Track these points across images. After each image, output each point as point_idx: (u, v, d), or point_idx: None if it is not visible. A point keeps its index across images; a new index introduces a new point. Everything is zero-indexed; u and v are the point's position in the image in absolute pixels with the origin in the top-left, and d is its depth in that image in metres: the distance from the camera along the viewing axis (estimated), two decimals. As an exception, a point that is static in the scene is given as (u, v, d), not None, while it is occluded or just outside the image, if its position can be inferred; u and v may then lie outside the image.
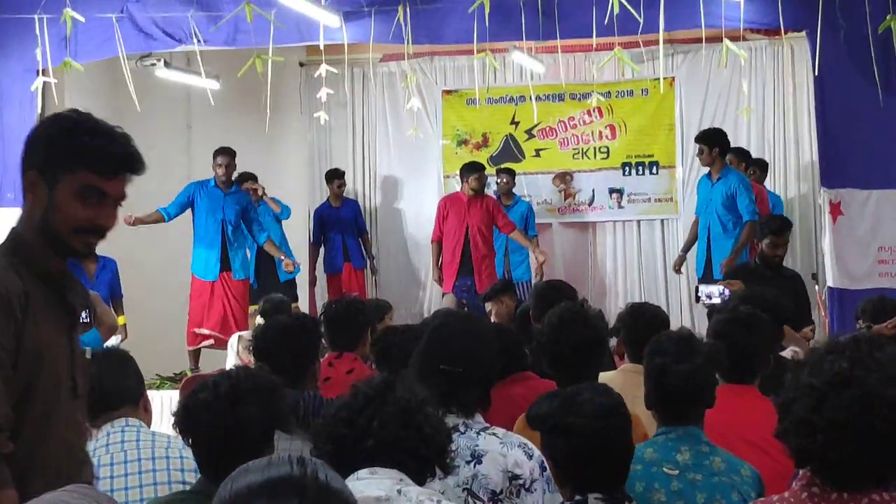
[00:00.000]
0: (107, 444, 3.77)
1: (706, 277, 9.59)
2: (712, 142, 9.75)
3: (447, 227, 11.01)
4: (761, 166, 11.15)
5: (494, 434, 3.60)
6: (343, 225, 12.24)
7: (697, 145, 9.92)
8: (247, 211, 10.36)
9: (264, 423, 3.15)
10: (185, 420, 3.17)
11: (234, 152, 10.33)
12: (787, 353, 5.58)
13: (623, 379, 4.76)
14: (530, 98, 11.38)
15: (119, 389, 3.92)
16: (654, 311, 5.37)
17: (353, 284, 12.05)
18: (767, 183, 11.38)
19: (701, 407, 3.67)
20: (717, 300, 6.88)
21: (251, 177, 11.17)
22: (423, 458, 2.90)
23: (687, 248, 10.55)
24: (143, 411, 3.96)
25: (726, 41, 7.83)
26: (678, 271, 10.86)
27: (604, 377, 4.67)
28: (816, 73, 8.22)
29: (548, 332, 4.44)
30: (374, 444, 2.83)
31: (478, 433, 3.59)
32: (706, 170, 9.96)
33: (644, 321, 5.11)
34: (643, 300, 11.64)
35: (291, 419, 3.81)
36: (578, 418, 3.15)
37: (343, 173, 12.43)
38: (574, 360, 4.34)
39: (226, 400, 3.09)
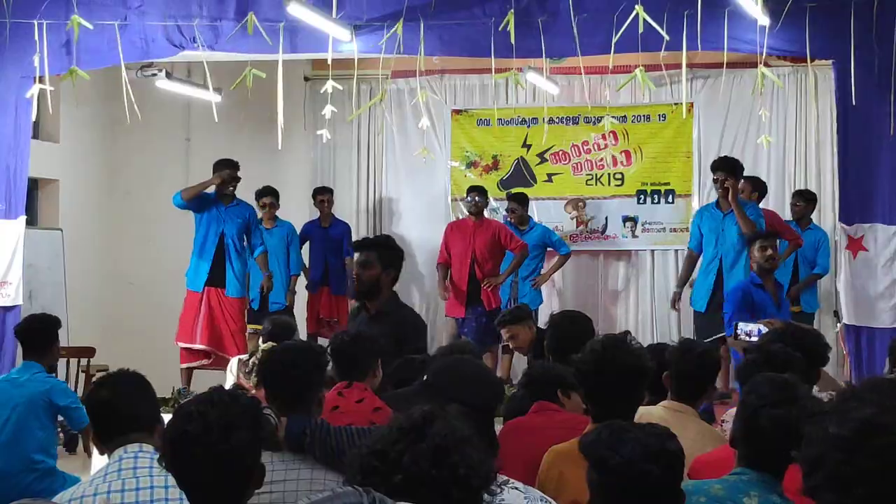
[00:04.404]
0: (119, 469, 3.69)
1: (711, 310, 9.40)
2: (732, 170, 9.45)
3: (453, 252, 10.76)
4: (753, 183, 10.60)
5: (517, 488, 3.40)
6: (328, 245, 11.75)
7: (715, 173, 9.61)
8: (250, 223, 10.23)
9: (255, 446, 3.12)
10: (175, 455, 3.08)
11: (238, 164, 10.11)
12: (823, 397, 5.29)
13: (660, 415, 4.64)
14: (543, 120, 11.11)
15: (135, 414, 3.86)
16: (706, 349, 5.21)
17: (332, 310, 11.67)
18: (788, 215, 11.01)
19: (786, 455, 3.43)
20: (755, 339, 6.67)
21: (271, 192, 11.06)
22: (456, 500, 2.68)
23: (683, 284, 10.36)
24: (158, 438, 3.80)
25: (762, 67, 7.64)
26: (675, 308, 10.61)
27: (644, 410, 4.54)
28: (840, 103, 8.13)
29: (590, 359, 4.25)
30: (402, 480, 2.63)
31: (500, 487, 3.36)
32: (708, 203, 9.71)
33: (695, 359, 4.97)
34: (654, 333, 11.50)
35: (277, 438, 3.86)
36: (616, 455, 3.04)
37: (326, 189, 12.00)
38: (616, 390, 4.17)
39: (217, 430, 3.02)
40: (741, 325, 7.37)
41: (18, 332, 7.12)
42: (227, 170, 10.08)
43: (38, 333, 6.89)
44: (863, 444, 2.09)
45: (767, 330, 6.59)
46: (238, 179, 10.17)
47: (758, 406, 3.55)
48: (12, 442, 6.56)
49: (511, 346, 7.62)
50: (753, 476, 3.52)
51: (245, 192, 10.96)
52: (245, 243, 10.23)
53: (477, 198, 10.92)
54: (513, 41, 7.80)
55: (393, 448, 2.67)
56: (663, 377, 4.94)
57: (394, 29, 8.14)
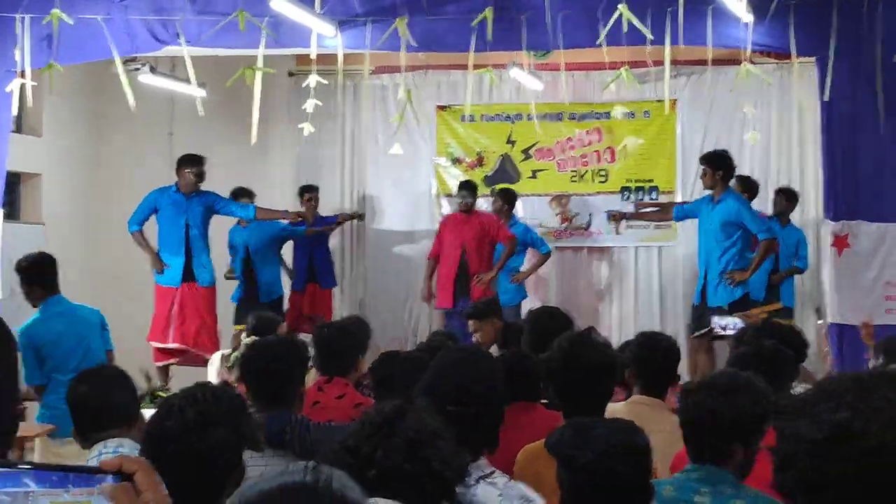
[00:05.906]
0: None
1: (702, 306, 9.38)
2: (716, 164, 9.44)
3: (444, 245, 10.72)
4: (744, 183, 10.55)
5: (493, 484, 3.35)
6: (313, 241, 11.65)
7: (701, 167, 9.62)
8: (215, 207, 10.21)
9: (235, 445, 3.09)
10: (152, 449, 3.05)
11: (203, 159, 10.09)
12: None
13: (631, 411, 4.63)
14: (528, 116, 11.08)
15: (113, 408, 3.84)
16: (669, 343, 5.20)
17: (316, 306, 11.60)
18: (770, 211, 10.95)
19: (736, 447, 3.49)
20: (731, 332, 6.70)
21: (244, 192, 10.94)
22: (430, 494, 2.72)
23: (635, 211, 10.69)
24: (138, 433, 3.75)
25: (745, 64, 7.66)
26: (613, 218, 10.67)
27: (612, 409, 4.54)
28: (825, 100, 8.10)
29: (558, 356, 4.27)
30: (376, 475, 2.66)
31: (477, 481, 3.31)
32: (707, 194, 9.68)
33: (661, 352, 5.00)
34: (636, 328, 11.47)
35: (260, 438, 3.79)
36: (585, 453, 3.05)
37: (312, 188, 11.81)
38: (584, 387, 4.19)
39: (195, 427, 3.02)
40: (716, 318, 7.39)
41: (27, 269, 7.21)
42: (191, 167, 10.08)
43: (49, 268, 7.21)
44: (835, 448, 2.03)
45: (744, 324, 6.62)
46: (204, 174, 10.15)
47: (697, 400, 3.56)
48: (89, 357, 6.94)
49: (474, 339, 7.56)
50: (702, 472, 3.49)
51: (229, 185, 10.94)
52: (208, 229, 10.25)
53: (466, 195, 10.85)
54: (489, 35, 7.79)
55: (365, 443, 2.68)
56: (626, 374, 4.94)
57: (393, 25, 8.12)
